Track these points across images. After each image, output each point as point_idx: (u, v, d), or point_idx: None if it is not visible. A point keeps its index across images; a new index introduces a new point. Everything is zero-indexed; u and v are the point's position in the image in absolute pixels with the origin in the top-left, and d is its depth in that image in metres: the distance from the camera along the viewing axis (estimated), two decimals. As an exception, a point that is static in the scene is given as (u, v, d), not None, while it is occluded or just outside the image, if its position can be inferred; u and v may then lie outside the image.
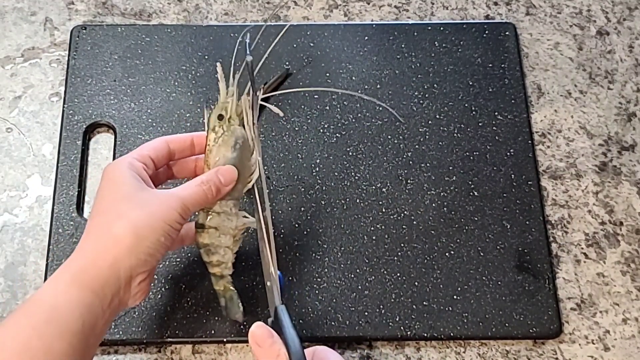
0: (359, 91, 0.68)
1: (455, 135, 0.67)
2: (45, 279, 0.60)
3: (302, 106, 0.67)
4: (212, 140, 0.53)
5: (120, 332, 0.58)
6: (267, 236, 0.52)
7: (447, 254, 0.62)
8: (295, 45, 0.70)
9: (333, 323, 0.59)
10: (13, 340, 0.42)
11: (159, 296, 0.59)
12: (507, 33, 0.71)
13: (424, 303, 0.60)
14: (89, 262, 0.46)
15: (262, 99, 0.54)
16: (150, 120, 0.66)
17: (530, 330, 0.59)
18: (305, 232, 0.62)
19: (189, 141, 0.54)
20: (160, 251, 0.48)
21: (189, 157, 0.55)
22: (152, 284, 0.53)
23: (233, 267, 0.55)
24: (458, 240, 0.62)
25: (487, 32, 0.71)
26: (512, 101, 0.68)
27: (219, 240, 0.53)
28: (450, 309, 0.59)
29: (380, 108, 0.67)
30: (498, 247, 0.62)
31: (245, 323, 0.58)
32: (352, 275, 0.60)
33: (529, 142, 0.67)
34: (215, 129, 0.53)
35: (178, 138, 0.54)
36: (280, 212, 0.63)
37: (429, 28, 0.72)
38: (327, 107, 0.67)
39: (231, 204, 0.53)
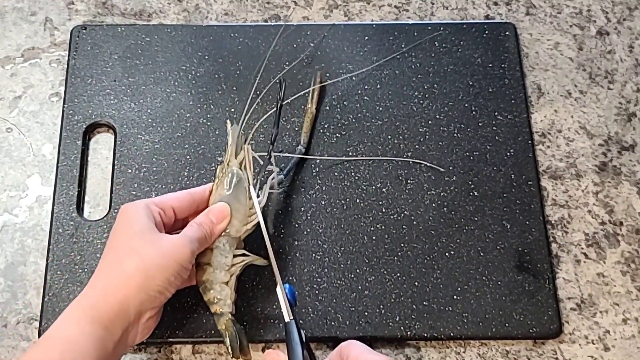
0: (359, 91, 0.68)
1: (455, 135, 0.67)
2: (45, 279, 0.60)
3: (302, 106, 0.67)
4: (215, 185, 0.56)
5: (120, 332, 0.58)
6: (271, 249, 0.53)
7: (447, 254, 0.62)
8: (295, 45, 0.70)
9: (333, 323, 0.59)
10: None
11: (159, 296, 0.59)
12: (507, 33, 0.71)
13: (424, 303, 0.60)
14: (100, 298, 0.47)
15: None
16: (150, 120, 0.66)
17: (530, 330, 0.59)
18: (305, 232, 0.62)
19: (207, 193, 0.56)
20: (170, 290, 0.49)
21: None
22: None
23: (235, 306, 0.55)
24: (458, 240, 0.62)
25: (487, 32, 0.71)
26: (512, 101, 0.68)
27: (214, 276, 0.54)
28: (450, 309, 0.59)
29: (380, 108, 0.68)
30: (498, 247, 0.62)
31: (245, 323, 0.58)
32: (352, 275, 0.61)
33: (529, 142, 0.67)
34: (217, 175, 0.56)
35: (200, 189, 0.56)
36: (280, 212, 0.63)
37: (429, 28, 0.72)
38: (327, 108, 0.67)
39: (224, 240, 0.54)
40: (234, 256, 0.55)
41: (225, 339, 0.54)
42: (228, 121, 0.58)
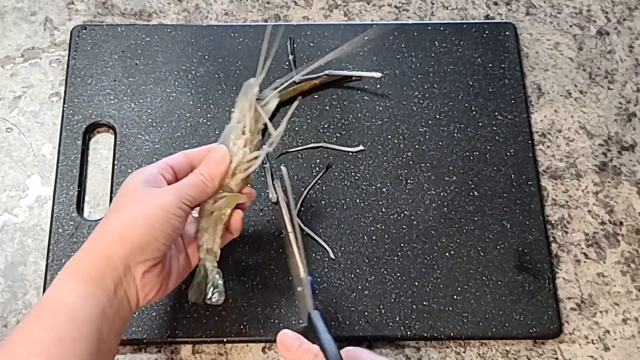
0: (359, 91, 0.68)
1: (455, 135, 0.67)
2: (45, 279, 0.60)
3: (302, 106, 0.67)
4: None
5: (120, 332, 0.58)
6: (295, 241, 0.53)
7: (447, 254, 0.62)
8: (295, 45, 0.70)
9: (333, 323, 0.59)
10: (29, 344, 0.43)
11: (159, 296, 0.59)
12: (507, 33, 0.71)
13: (424, 303, 0.60)
14: (84, 256, 0.47)
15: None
16: (150, 120, 0.66)
17: (530, 330, 0.59)
18: (305, 232, 0.62)
19: (206, 153, 0.54)
20: (158, 238, 0.48)
21: None
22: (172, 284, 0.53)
23: (219, 256, 0.54)
24: (458, 240, 0.62)
25: (487, 32, 0.71)
26: (512, 101, 0.68)
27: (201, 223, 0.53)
28: (450, 309, 0.59)
29: (380, 108, 0.68)
30: (498, 247, 0.62)
31: (245, 323, 0.58)
32: (352, 275, 0.61)
33: (529, 142, 0.67)
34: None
35: (195, 151, 0.54)
36: (280, 211, 0.63)
37: (429, 28, 0.72)
38: (327, 107, 0.67)
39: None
40: (215, 201, 0.53)
41: (195, 279, 0.53)
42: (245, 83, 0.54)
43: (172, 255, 0.52)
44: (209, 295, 0.53)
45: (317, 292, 0.52)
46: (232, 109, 0.53)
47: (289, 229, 0.53)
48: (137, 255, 0.47)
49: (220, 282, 0.53)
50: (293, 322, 0.59)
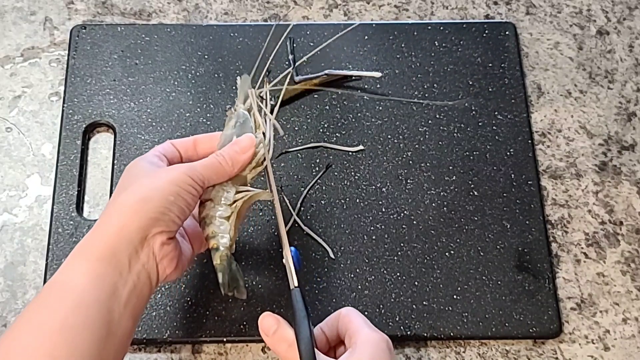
0: (359, 91, 0.68)
1: (455, 135, 0.67)
2: (45, 279, 0.60)
3: (302, 106, 0.67)
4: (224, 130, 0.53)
5: (120, 332, 0.58)
6: (279, 209, 0.51)
7: (447, 254, 0.62)
8: (295, 45, 0.70)
9: (333, 323, 0.59)
10: (32, 331, 0.41)
11: (159, 296, 0.59)
12: (507, 33, 0.71)
13: (424, 303, 0.60)
14: (94, 235, 0.45)
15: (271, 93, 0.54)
16: (150, 120, 0.66)
17: (530, 330, 0.59)
18: (305, 232, 0.62)
19: (191, 143, 0.54)
20: (173, 210, 0.46)
21: (195, 158, 0.54)
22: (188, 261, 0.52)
23: (234, 246, 0.52)
24: (458, 240, 0.62)
25: (487, 31, 0.71)
26: (512, 101, 0.68)
27: (214, 210, 0.51)
28: (450, 309, 0.59)
29: (380, 108, 0.67)
30: (498, 247, 0.62)
31: (245, 323, 0.58)
32: (352, 275, 0.60)
33: (529, 141, 0.67)
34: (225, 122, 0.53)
35: (181, 141, 0.54)
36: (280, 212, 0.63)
37: (429, 28, 0.72)
38: (327, 107, 0.67)
39: (230, 183, 0.52)
40: (237, 192, 0.52)
41: (219, 274, 0.51)
42: (239, 77, 0.55)
43: (179, 239, 0.51)
44: (241, 287, 0.52)
45: (301, 263, 0.49)
46: (229, 106, 0.52)
47: (274, 194, 0.51)
48: (154, 227, 0.45)
49: (242, 281, 0.52)
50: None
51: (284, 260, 0.50)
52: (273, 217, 0.63)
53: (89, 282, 0.43)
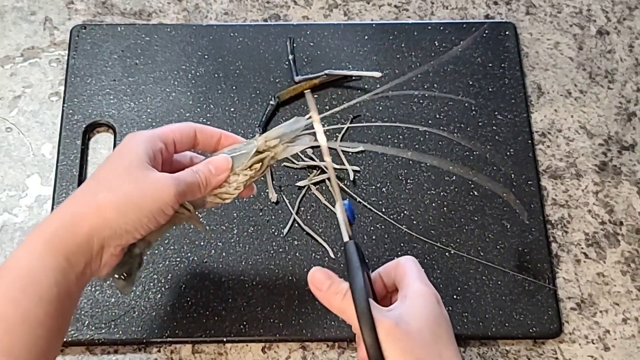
0: (359, 91, 0.68)
1: (455, 135, 0.67)
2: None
3: (302, 106, 0.67)
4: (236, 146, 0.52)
5: (120, 332, 0.58)
6: (330, 172, 0.50)
7: (447, 254, 0.62)
8: (295, 45, 0.70)
9: (333, 323, 0.59)
10: None
11: (159, 296, 0.59)
12: (507, 33, 0.71)
13: (424, 303, 0.59)
14: (65, 227, 0.45)
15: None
16: (150, 120, 0.66)
17: (530, 330, 0.59)
18: (305, 232, 0.62)
19: (217, 138, 0.52)
20: (139, 231, 0.46)
21: (187, 147, 0.53)
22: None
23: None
24: (458, 240, 0.62)
25: (487, 31, 0.71)
26: (512, 101, 0.68)
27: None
28: (450, 309, 0.59)
29: (380, 108, 0.68)
30: (498, 247, 0.62)
31: (245, 323, 0.58)
32: (352, 275, 0.60)
33: (529, 141, 0.67)
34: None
35: (207, 131, 0.52)
36: (280, 211, 0.63)
37: (429, 28, 0.71)
38: (327, 107, 0.67)
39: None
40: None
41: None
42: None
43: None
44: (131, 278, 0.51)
45: (355, 216, 0.47)
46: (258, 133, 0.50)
47: (325, 158, 0.49)
48: (116, 240, 0.46)
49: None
50: (293, 322, 0.59)
51: (337, 214, 0.49)
52: (273, 217, 0.63)
53: (53, 277, 0.43)
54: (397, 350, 0.43)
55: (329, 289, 0.47)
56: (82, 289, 0.47)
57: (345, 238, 0.47)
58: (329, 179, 0.64)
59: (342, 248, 0.47)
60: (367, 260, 0.60)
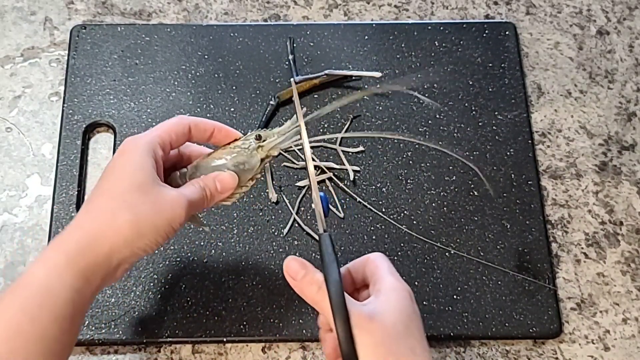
0: (359, 91, 0.68)
1: (455, 135, 0.67)
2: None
3: (302, 106, 0.67)
4: (237, 145, 0.52)
5: (120, 332, 0.58)
6: (306, 160, 0.49)
7: (447, 254, 0.62)
8: (295, 45, 0.70)
9: (333, 323, 0.59)
10: (4, 325, 0.41)
11: (159, 296, 0.59)
12: (507, 33, 0.71)
13: (424, 303, 0.60)
14: (87, 246, 0.45)
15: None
16: (150, 120, 0.66)
17: (530, 330, 0.59)
18: (305, 232, 0.62)
19: (210, 131, 0.53)
20: (153, 249, 0.48)
21: (182, 142, 0.53)
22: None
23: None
24: (458, 240, 0.62)
25: (487, 31, 0.71)
26: (512, 101, 0.68)
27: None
28: (450, 309, 0.59)
29: (380, 108, 0.68)
30: (498, 247, 0.62)
31: (245, 323, 0.58)
32: (352, 275, 0.60)
33: (529, 141, 0.67)
34: (246, 140, 0.52)
35: (201, 125, 0.52)
36: (279, 211, 0.63)
37: (429, 28, 0.71)
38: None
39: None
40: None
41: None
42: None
43: None
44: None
45: (329, 208, 0.48)
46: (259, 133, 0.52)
47: (303, 137, 0.50)
48: (132, 258, 0.47)
49: None
50: (293, 322, 0.59)
51: (313, 205, 0.49)
52: (273, 217, 0.63)
53: (70, 295, 0.43)
54: (370, 344, 0.43)
55: (304, 278, 0.47)
56: (92, 302, 0.47)
57: (321, 230, 0.47)
58: (329, 178, 0.64)
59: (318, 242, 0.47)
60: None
